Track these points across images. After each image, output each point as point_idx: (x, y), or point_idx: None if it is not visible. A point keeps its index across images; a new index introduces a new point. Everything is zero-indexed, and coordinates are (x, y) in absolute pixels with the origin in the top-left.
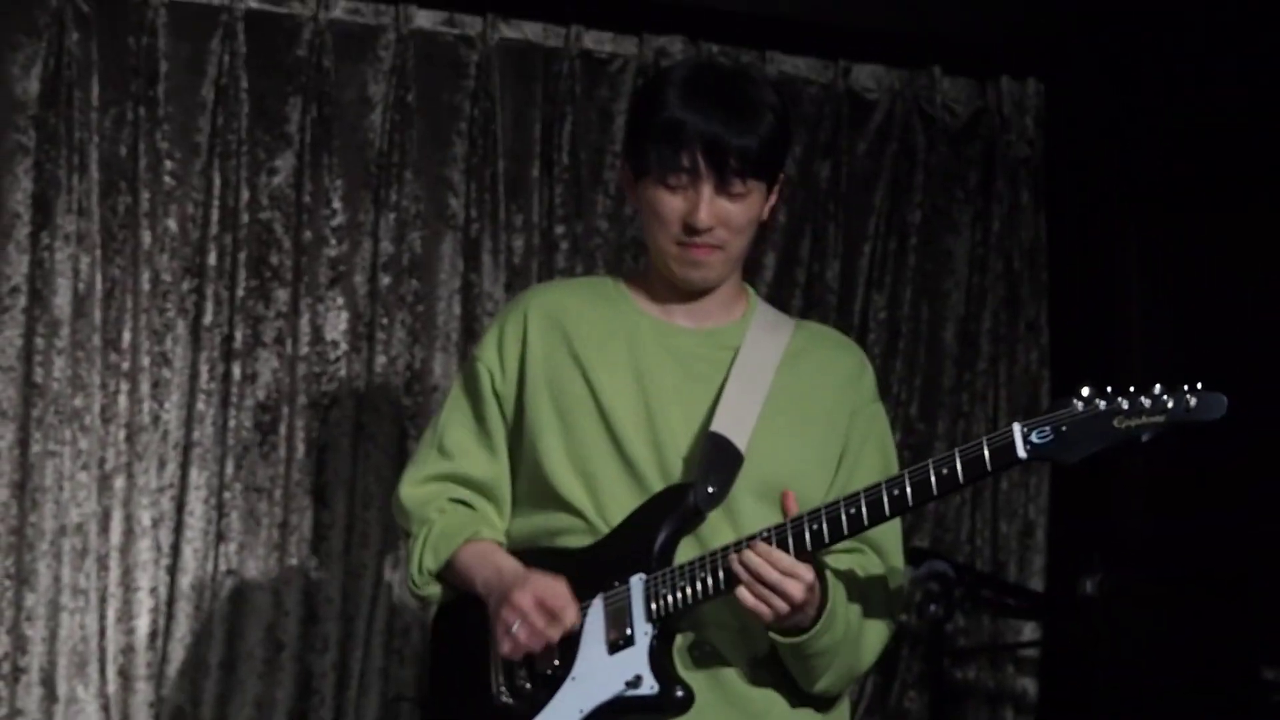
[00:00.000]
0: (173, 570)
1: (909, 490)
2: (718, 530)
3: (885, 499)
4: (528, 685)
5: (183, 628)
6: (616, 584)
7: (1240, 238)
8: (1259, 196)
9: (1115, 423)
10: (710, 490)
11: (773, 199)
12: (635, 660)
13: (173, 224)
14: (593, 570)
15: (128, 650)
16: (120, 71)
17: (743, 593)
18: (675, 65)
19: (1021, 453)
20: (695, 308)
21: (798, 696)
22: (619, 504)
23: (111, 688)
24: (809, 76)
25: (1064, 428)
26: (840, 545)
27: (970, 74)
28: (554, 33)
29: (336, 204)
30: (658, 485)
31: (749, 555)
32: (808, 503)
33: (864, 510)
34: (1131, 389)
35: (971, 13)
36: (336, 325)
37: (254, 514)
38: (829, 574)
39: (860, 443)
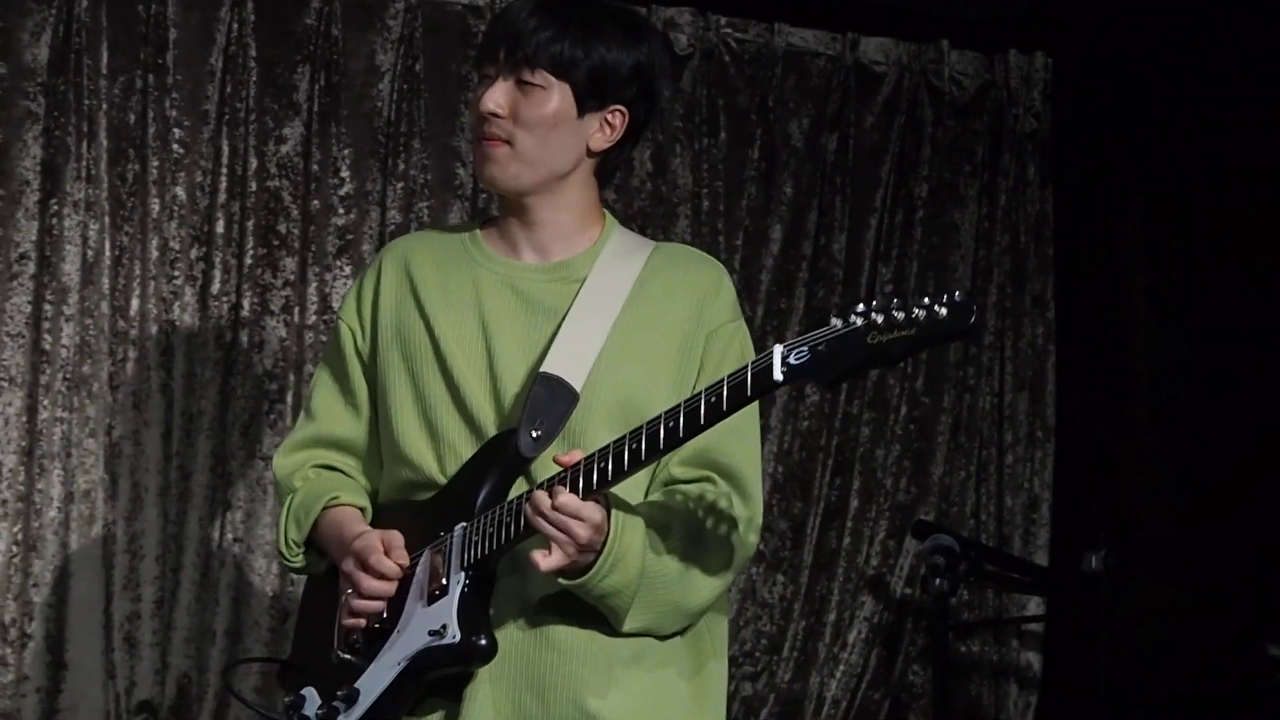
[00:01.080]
0: (179, 538)
1: (682, 421)
2: (555, 469)
3: (662, 431)
4: (360, 641)
5: (189, 595)
6: (442, 534)
7: (1246, 213)
8: (1265, 172)
9: (869, 339)
10: (534, 435)
11: (607, 130)
12: (445, 609)
13: (181, 192)
14: (426, 523)
15: (134, 618)
16: (129, 39)
17: (535, 553)
18: None
19: (778, 375)
20: (539, 241)
21: (620, 637)
22: (458, 455)
23: (118, 655)
24: (817, 49)
25: (820, 346)
26: (687, 474)
27: (978, 48)
28: None
29: (344, 173)
30: (494, 431)
31: (534, 496)
32: None
33: (643, 445)
34: (891, 302)
35: None
36: (344, 294)
37: (260, 482)
38: (616, 512)
39: (718, 362)
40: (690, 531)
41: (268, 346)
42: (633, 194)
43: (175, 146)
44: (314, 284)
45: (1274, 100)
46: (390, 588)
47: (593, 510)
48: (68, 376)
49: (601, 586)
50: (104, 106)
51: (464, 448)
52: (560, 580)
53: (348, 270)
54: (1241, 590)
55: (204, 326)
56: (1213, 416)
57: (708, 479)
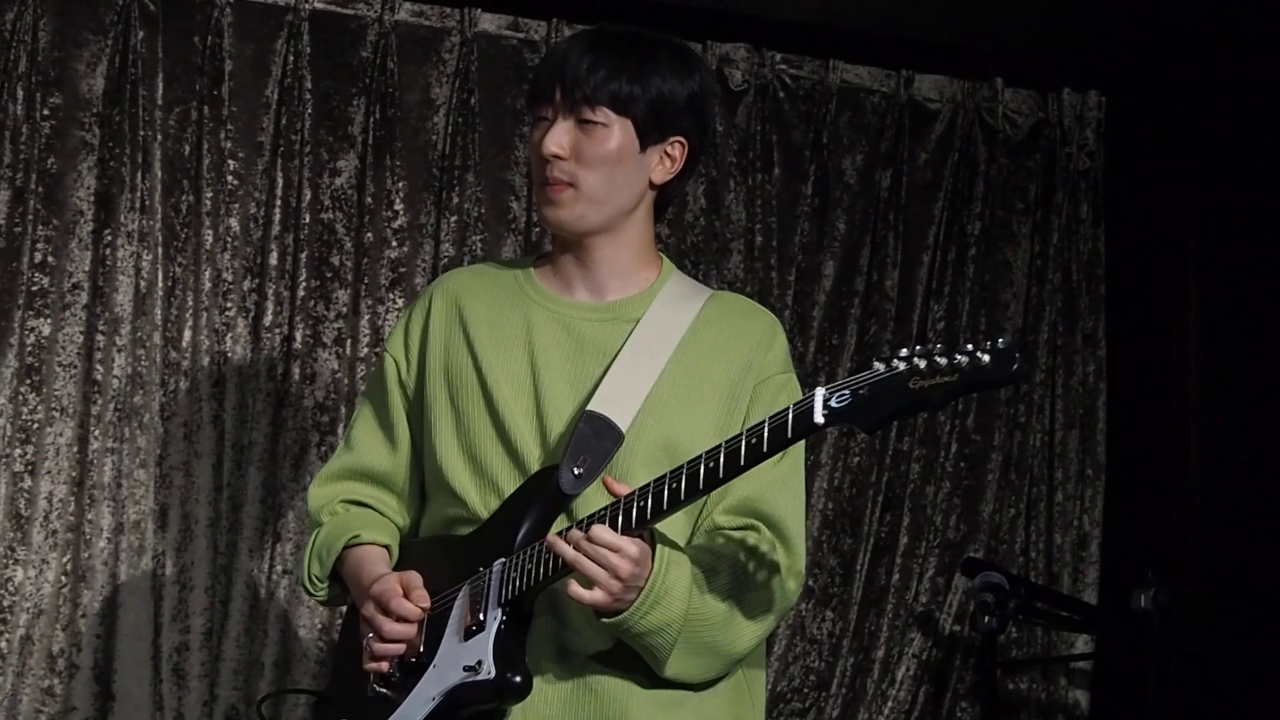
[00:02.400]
0: (228, 569)
1: (722, 461)
2: (595, 507)
3: (702, 471)
4: (396, 674)
5: (237, 626)
6: (481, 570)
7: None
8: None
9: (911, 384)
10: (576, 473)
11: (668, 162)
12: (481, 646)
13: (235, 223)
14: (466, 558)
15: (182, 649)
16: (185, 70)
17: (573, 587)
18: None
19: (819, 417)
20: (596, 279)
21: (660, 680)
22: (501, 491)
23: (166, 686)
24: (872, 86)
25: (862, 390)
26: (731, 523)
27: (1032, 86)
28: None
29: (398, 205)
30: (538, 468)
31: (569, 532)
32: None
33: (682, 484)
34: (935, 347)
35: (1034, 25)
36: None
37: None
38: (661, 549)
39: (764, 411)
40: (735, 575)
41: (319, 379)
42: (686, 229)
43: (229, 178)
44: (366, 316)
45: None
46: (411, 630)
47: (630, 544)
48: (119, 407)
49: (643, 624)
50: (159, 138)
51: (507, 483)
52: (602, 619)
53: (400, 303)
54: None
55: (256, 358)
56: (1264, 455)
57: (752, 527)
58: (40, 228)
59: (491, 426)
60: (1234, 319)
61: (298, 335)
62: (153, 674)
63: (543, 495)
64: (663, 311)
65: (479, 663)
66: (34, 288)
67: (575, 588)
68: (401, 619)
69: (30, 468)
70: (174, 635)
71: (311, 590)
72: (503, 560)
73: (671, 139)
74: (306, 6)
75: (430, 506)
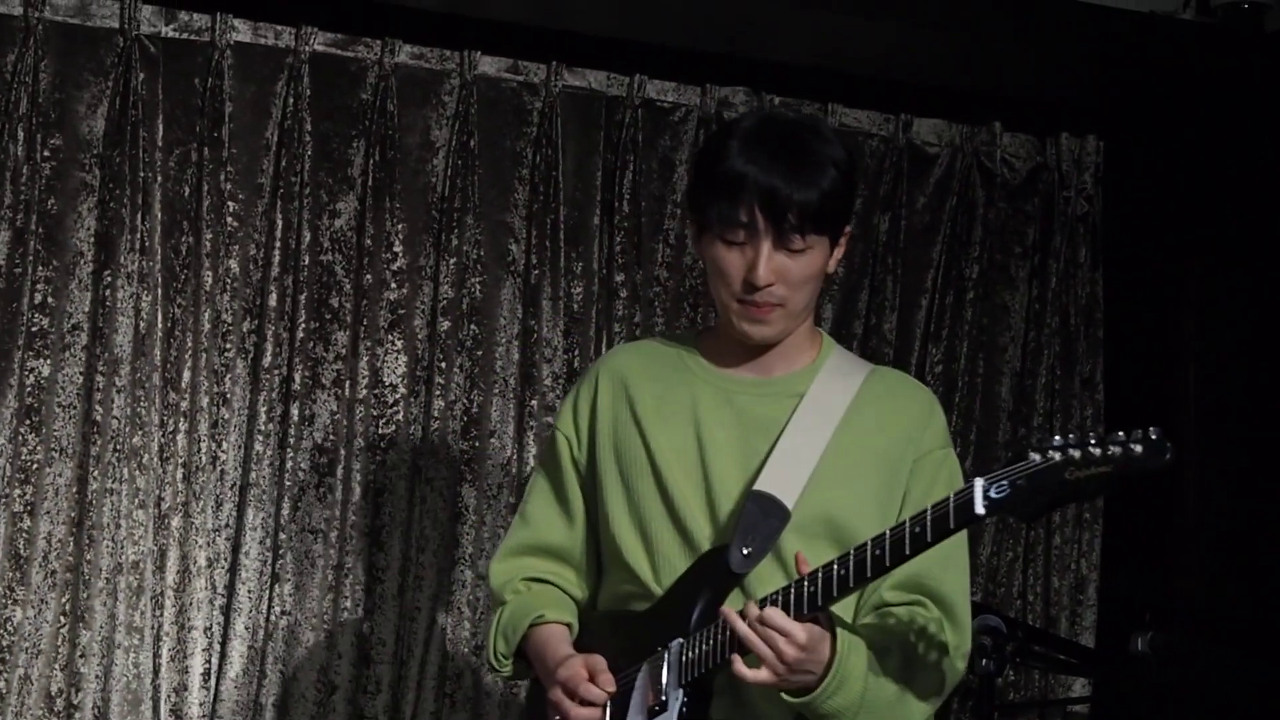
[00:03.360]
0: (227, 610)
1: (888, 549)
2: (768, 584)
3: (869, 558)
4: None
5: (236, 668)
6: (659, 649)
7: None
8: None
9: (1067, 475)
10: (745, 552)
11: (839, 252)
12: None
13: (234, 265)
14: (644, 636)
15: (181, 689)
16: (185, 112)
17: (738, 664)
18: (740, 117)
19: (980, 508)
20: (763, 360)
21: None
22: (674, 567)
23: None
24: (870, 129)
25: (1020, 481)
26: (898, 599)
27: (1031, 130)
28: (617, 81)
29: (398, 247)
30: (708, 545)
31: (746, 606)
32: None
33: (850, 570)
34: (1090, 437)
35: (1033, 70)
36: (395, 369)
37: (309, 555)
38: (842, 634)
39: (925, 489)
40: (906, 655)
41: (318, 420)
42: (685, 272)
43: (229, 219)
44: (365, 358)
45: None
46: (596, 714)
47: (801, 631)
48: (118, 448)
49: (826, 706)
50: (159, 179)
51: (678, 560)
52: (785, 698)
53: (399, 344)
54: None
55: (255, 399)
56: (1261, 499)
57: (919, 603)
58: (40, 268)
59: (661, 503)
60: (1232, 363)
61: (297, 376)
62: (151, 715)
63: (714, 575)
64: (826, 387)
65: None
66: (34, 328)
67: (740, 665)
68: (588, 704)
69: (29, 508)
70: (173, 676)
71: (497, 667)
72: (680, 640)
73: (845, 229)
74: (307, 49)
75: (606, 580)
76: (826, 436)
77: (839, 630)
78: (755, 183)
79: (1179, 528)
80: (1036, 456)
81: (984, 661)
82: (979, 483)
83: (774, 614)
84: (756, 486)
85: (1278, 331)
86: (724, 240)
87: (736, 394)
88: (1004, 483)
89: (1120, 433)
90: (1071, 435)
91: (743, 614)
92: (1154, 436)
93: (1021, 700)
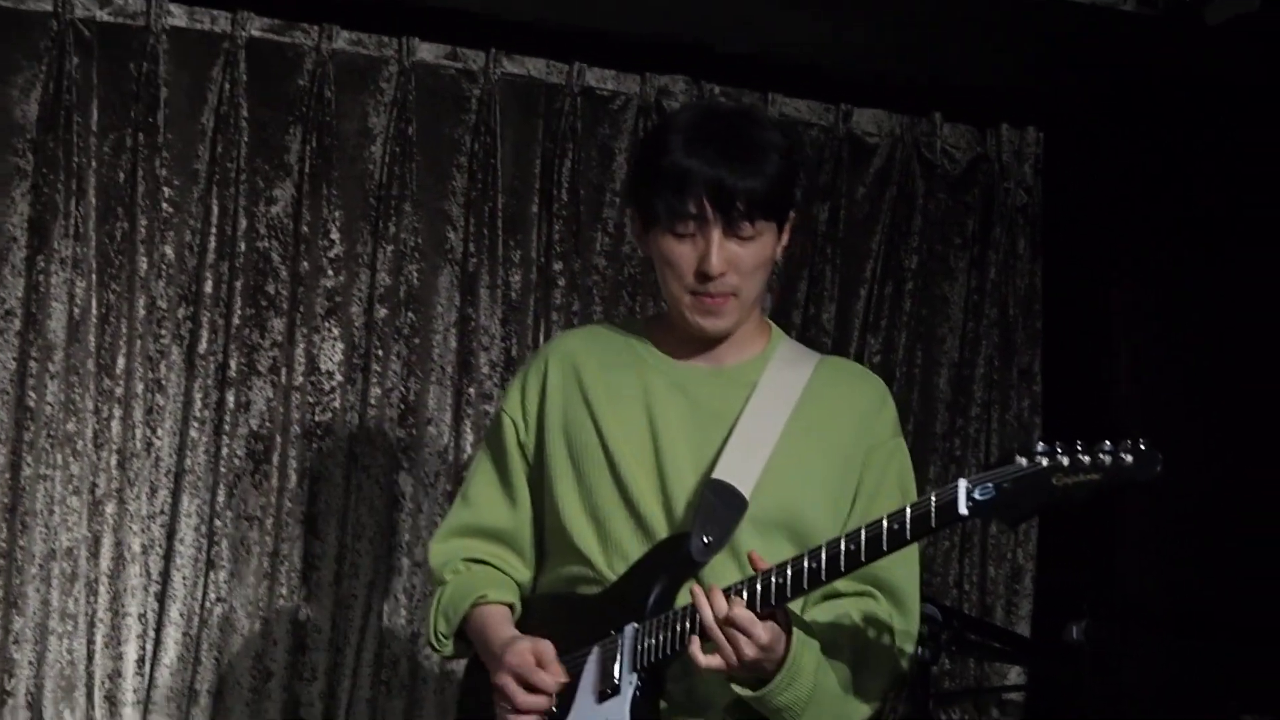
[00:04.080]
0: (162, 597)
1: (863, 545)
2: (722, 574)
3: (842, 554)
4: None
5: (170, 654)
6: (612, 633)
7: (1234, 288)
8: (1254, 248)
9: (1054, 480)
10: (705, 540)
11: (784, 238)
12: (617, 709)
13: (170, 251)
14: (595, 620)
15: (115, 676)
16: (120, 97)
17: (693, 647)
18: (678, 111)
19: (963, 509)
20: (714, 347)
21: None
22: (626, 554)
23: (98, 713)
24: (810, 119)
25: (1006, 484)
26: (849, 588)
27: (971, 121)
28: (557, 69)
29: (334, 235)
30: (663, 532)
31: (714, 600)
32: (815, 540)
33: (823, 565)
34: (1077, 445)
35: (973, 61)
36: (332, 356)
37: (244, 542)
38: (796, 631)
39: (877, 479)
40: (857, 649)
41: (254, 407)
42: (623, 260)
43: (164, 205)
44: (301, 345)
45: (1264, 177)
46: (545, 702)
47: (763, 632)
48: (52, 434)
49: (777, 701)
50: (93, 164)
51: (631, 546)
52: (735, 688)
53: (336, 332)
54: (1221, 662)
55: (190, 385)
56: (1196, 489)
57: (869, 593)
58: None
59: (614, 489)
60: (1169, 355)
61: (232, 363)
62: (85, 701)
63: (673, 562)
64: (777, 376)
65: None
66: None
67: (696, 649)
68: (538, 691)
69: None
70: (106, 662)
71: (437, 646)
72: (635, 625)
73: (791, 215)
74: (243, 34)
75: (550, 564)
76: (780, 426)
77: (794, 629)
78: (702, 175)
79: (1115, 518)
80: (1023, 460)
81: (920, 650)
82: (963, 483)
83: (742, 615)
84: (715, 475)
85: (1215, 323)
86: (673, 233)
87: (689, 383)
88: (989, 485)
89: (1108, 441)
90: (1059, 442)
91: (713, 608)
92: (1144, 447)
93: (957, 689)
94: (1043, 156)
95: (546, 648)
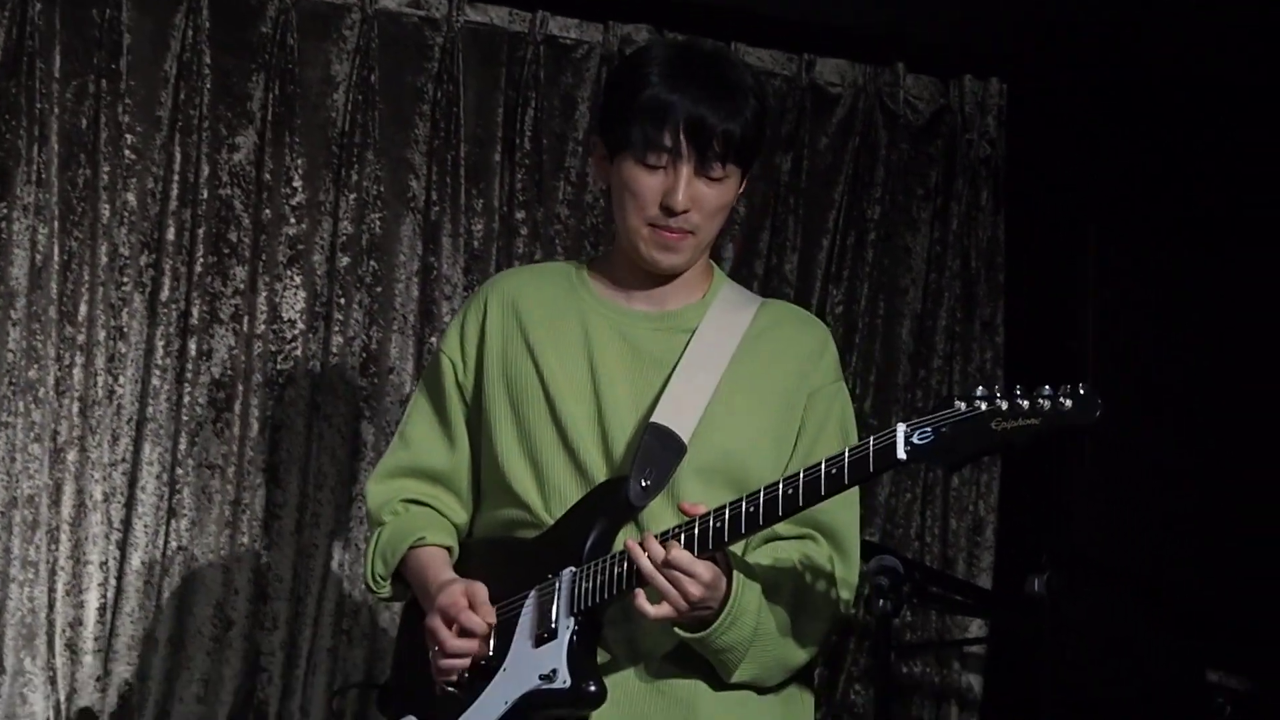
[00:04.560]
0: (123, 545)
1: (801, 489)
2: (661, 519)
3: (780, 498)
4: (466, 674)
5: (132, 603)
6: (550, 577)
7: (1196, 242)
8: (1216, 203)
9: (993, 425)
10: (644, 484)
11: (743, 187)
12: (554, 654)
13: (132, 198)
14: (532, 563)
15: (76, 624)
16: (83, 43)
17: (639, 599)
18: (655, 43)
19: (901, 454)
20: (655, 290)
21: (727, 685)
22: (564, 497)
23: (59, 661)
24: (773, 69)
25: (945, 429)
26: (790, 531)
27: (934, 72)
28: (519, 17)
29: (297, 183)
30: (602, 476)
31: (650, 548)
32: (755, 485)
33: (760, 509)
34: (1016, 390)
35: (936, 11)
36: (294, 304)
37: (206, 491)
38: (737, 574)
39: (819, 423)
40: (797, 592)
41: (216, 355)
42: (586, 210)
43: (127, 152)
44: (264, 293)
45: (1227, 131)
46: (475, 644)
47: (704, 569)
48: (13, 381)
49: (719, 642)
50: (55, 110)
51: (569, 489)
52: (678, 631)
53: (298, 280)
54: (1183, 616)
55: (152, 333)
56: (1157, 443)
57: (810, 536)
58: None
59: (554, 431)
60: (1131, 308)
61: (194, 311)
62: (46, 649)
63: (611, 506)
64: (717, 321)
65: (554, 671)
66: None
67: (643, 601)
68: (468, 633)
69: None
70: (68, 610)
71: (374, 588)
72: (572, 569)
73: (755, 163)
74: None
75: (487, 506)
76: (719, 372)
77: (734, 571)
78: (683, 110)
79: (1076, 472)
80: (962, 405)
81: (881, 602)
82: (901, 428)
83: (681, 555)
84: (653, 420)
85: (1177, 276)
86: (643, 164)
87: (629, 327)
88: (927, 429)
89: (1048, 386)
90: (998, 386)
91: (650, 555)
92: (1083, 392)
93: (918, 641)
94: (1006, 108)
95: (479, 589)
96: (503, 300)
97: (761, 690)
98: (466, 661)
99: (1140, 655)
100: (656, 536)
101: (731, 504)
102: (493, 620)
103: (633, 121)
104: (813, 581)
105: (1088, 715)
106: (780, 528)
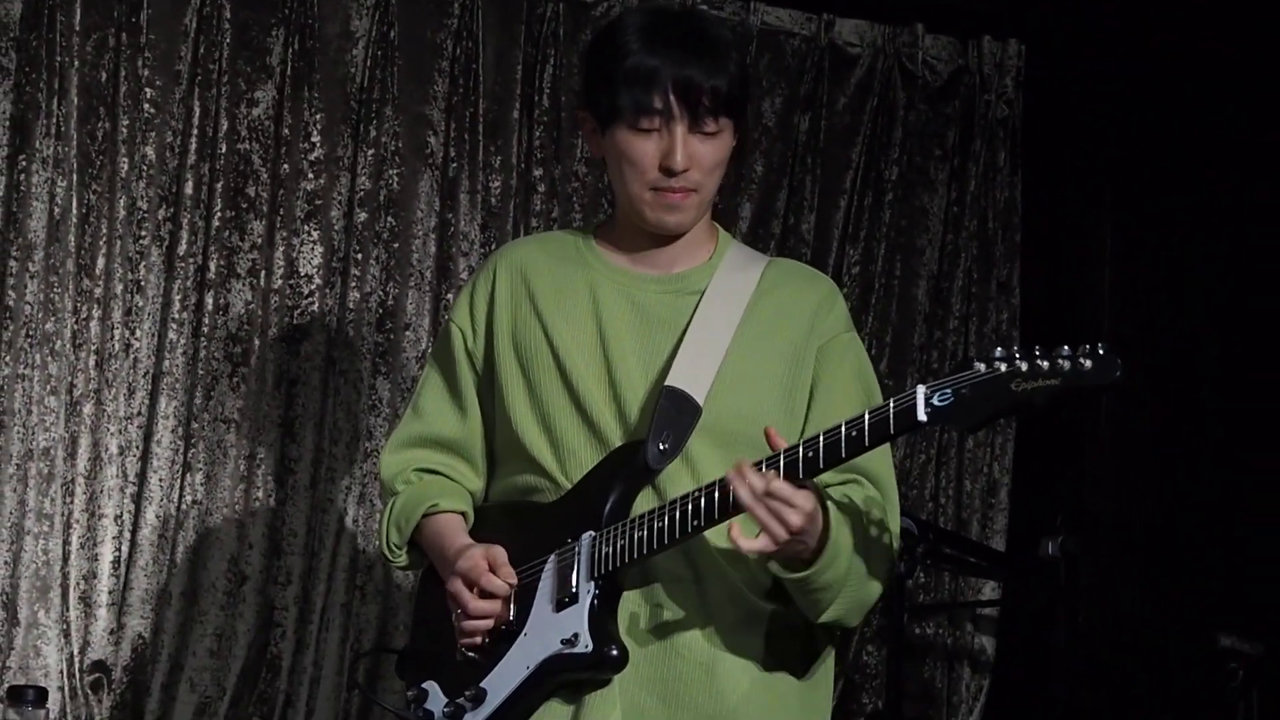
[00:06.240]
0: (138, 499)
1: (821, 452)
2: (677, 482)
3: (801, 460)
4: (486, 639)
5: (146, 556)
6: (569, 541)
7: (1213, 204)
8: (1233, 164)
9: (1013, 385)
10: (662, 448)
11: (736, 140)
12: (575, 618)
13: (151, 152)
14: (551, 528)
15: (90, 577)
16: None
17: (735, 532)
18: (627, 12)
19: (921, 415)
20: (662, 254)
21: (748, 649)
22: (580, 460)
23: (73, 614)
24: (791, 29)
25: (964, 390)
26: (835, 479)
27: (953, 32)
28: None
29: (315, 138)
30: (617, 440)
31: (750, 480)
32: (766, 447)
33: (780, 471)
34: (1035, 350)
35: None
36: (311, 259)
37: (221, 445)
38: (832, 508)
39: (833, 374)
40: (865, 533)
41: (233, 309)
42: (603, 168)
43: (146, 106)
44: (281, 248)
45: (1244, 93)
46: (497, 606)
47: (806, 499)
48: (30, 333)
49: (820, 580)
50: (76, 64)
51: (585, 453)
52: (781, 573)
53: (315, 235)
54: (1196, 580)
55: (169, 287)
56: (1173, 406)
57: (857, 481)
58: None
59: (566, 396)
60: (1148, 269)
61: (212, 265)
62: (60, 602)
63: (629, 469)
64: (725, 282)
65: (575, 635)
66: None
67: (738, 534)
68: (489, 596)
69: None
70: (82, 563)
71: (391, 557)
72: (592, 534)
73: (745, 113)
74: None
75: (502, 473)
76: (730, 332)
77: (830, 505)
78: (669, 71)
79: (1091, 433)
80: (982, 366)
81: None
82: (921, 389)
83: (783, 486)
84: (668, 383)
85: (1195, 237)
86: (636, 129)
87: (637, 291)
88: (947, 391)
89: (1067, 347)
90: (1017, 347)
91: (749, 486)
92: (1103, 352)
93: (931, 602)
94: (1024, 69)
95: (498, 552)
96: (511, 268)
97: (781, 656)
98: (489, 623)
99: (1153, 619)
100: (759, 464)
101: (788, 450)
102: (514, 582)
103: (620, 90)
104: (875, 523)
105: (1100, 678)
106: (826, 477)
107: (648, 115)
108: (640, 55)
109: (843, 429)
